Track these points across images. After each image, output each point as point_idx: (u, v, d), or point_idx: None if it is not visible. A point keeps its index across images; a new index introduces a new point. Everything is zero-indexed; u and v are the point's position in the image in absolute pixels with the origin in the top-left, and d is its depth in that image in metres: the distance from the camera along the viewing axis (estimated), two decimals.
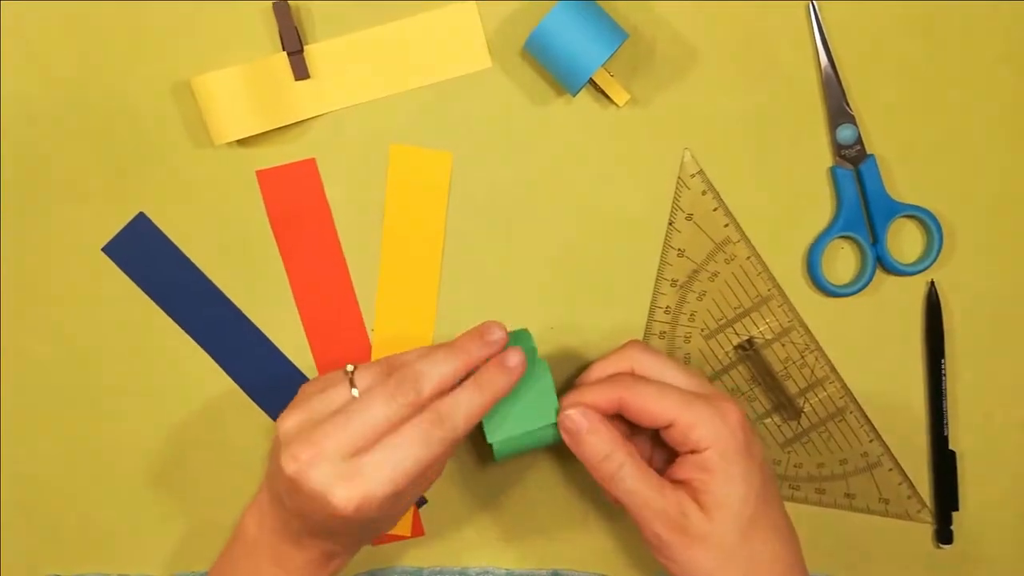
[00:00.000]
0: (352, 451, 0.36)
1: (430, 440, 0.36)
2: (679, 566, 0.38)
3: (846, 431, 0.49)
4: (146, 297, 0.48)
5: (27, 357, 0.48)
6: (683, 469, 0.39)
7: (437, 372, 0.38)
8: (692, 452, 0.39)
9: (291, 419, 0.37)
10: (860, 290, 0.48)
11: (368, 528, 0.39)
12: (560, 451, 0.49)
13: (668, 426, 0.39)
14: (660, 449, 0.42)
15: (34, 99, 0.46)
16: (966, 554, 0.50)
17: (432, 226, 0.47)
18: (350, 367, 0.39)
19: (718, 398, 0.40)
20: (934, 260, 0.47)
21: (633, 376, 0.41)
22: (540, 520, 0.50)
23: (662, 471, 0.40)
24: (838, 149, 0.47)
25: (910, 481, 0.49)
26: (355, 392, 0.38)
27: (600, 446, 0.39)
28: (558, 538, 0.50)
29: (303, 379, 0.48)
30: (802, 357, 0.48)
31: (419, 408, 0.37)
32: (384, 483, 0.35)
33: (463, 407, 0.38)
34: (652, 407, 0.39)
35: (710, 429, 0.38)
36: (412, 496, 0.41)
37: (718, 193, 0.47)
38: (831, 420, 0.49)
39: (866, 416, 0.49)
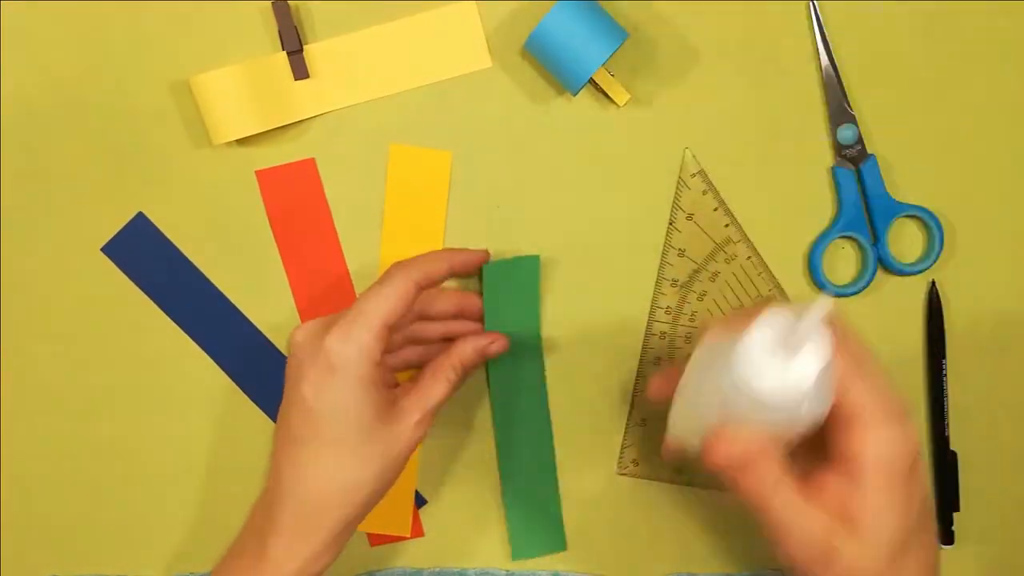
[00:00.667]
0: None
1: (385, 279, 0.41)
2: None
3: None
4: (145, 297, 0.48)
5: (25, 357, 0.48)
6: (833, 480, 0.35)
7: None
8: (845, 459, 0.35)
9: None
10: (861, 290, 0.48)
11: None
12: (560, 453, 0.49)
13: (849, 418, 0.35)
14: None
15: (33, 99, 0.46)
16: (968, 555, 0.50)
17: (432, 225, 0.47)
18: None
19: (903, 412, 0.35)
20: (935, 260, 0.47)
21: (856, 350, 0.36)
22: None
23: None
24: (839, 149, 0.47)
25: None
26: None
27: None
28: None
29: None
30: None
31: None
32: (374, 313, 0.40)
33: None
34: (859, 398, 0.35)
35: (887, 441, 0.35)
36: None
37: (719, 193, 0.47)
38: None
39: None
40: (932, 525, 0.38)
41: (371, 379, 0.39)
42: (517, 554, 0.49)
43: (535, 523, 0.49)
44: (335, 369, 0.39)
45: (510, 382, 0.48)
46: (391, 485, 0.41)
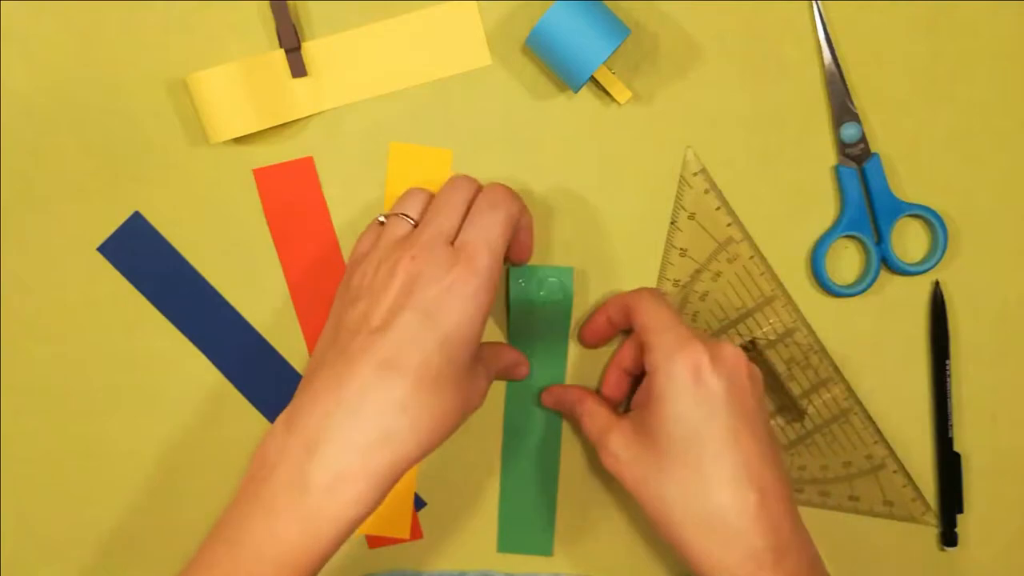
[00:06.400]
0: (454, 233, 0.39)
1: (499, 203, 0.40)
2: (629, 480, 0.40)
3: (850, 433, 0.48)
4: (141, 297, 0.47)
5: (21, 356, 0.48)
6: (639, 395, 0.44)
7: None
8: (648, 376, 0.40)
9: (369, 237, 0.41)
10: (864, 290, 0.47)
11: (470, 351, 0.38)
12: (561, 454, 0.49)
13: (639, 343, 0.41)
14: None
15: (29, 97, 0.46)
16: (971, 557, 0.49)
17: None
18: (381, 217, 0.42)
19: (699, 341, 0.39)
20: (939, 260, 0.47)
21: (653, 293, 0.43)
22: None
23: None
24: (842, 147, 0.47)
25: (915, 483, 0.49)
26: (408, 219, 0.41)
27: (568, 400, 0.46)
28: (558, 542, 0.49)
29: (299, 379, 0.48)
30: (806, 358, 0.48)
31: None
32: (496, 231, 0.38)
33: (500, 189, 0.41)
34: (639, 317, 0.41)
35: (661, 355, 0.39)
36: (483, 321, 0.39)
37: (721, 192, 0.47)
38: (835, 422, 0.48)
39: (870, 418, 0.48)
40: (735, 445, 0.38)
41: (491, 304, 0.38)
42: (503, 547, 0.49)
43: (528, 521, 0.49)
44: (478, 272, 0.37)
45: (529, 385, 0.48)
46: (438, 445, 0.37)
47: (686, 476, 0.38)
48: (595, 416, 0.43)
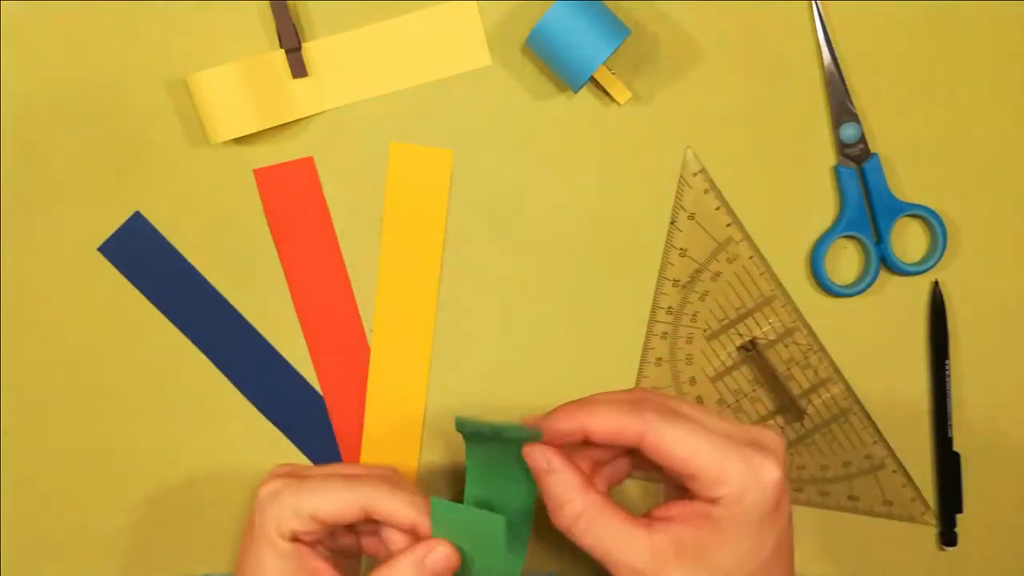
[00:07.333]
0: None
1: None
2: None
3: (850, 432, 0.48)
4: (142, 297, 0.47)
5: (21, 358, 0.48)
6: (682, 510, 0.35)
7: None
8: (706, 501, 0.34)
9: None
10: (864, 290, 0.47)
11: None
12: None
13: (690, 475, 0.34)
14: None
15: (29, 97, 0.46)
16: (970, 556, 0.49)
17: (432, 224, 0.47)
18: None
19: (755, 449, 0.34)
20: (938, 260, 0.47)
21: (660, 408, 0.35)
22: (539, 522, 0.49)
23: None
24: (841, 148, 0.47)
25: (914, 483, 0.49)
26: None
27: (558, 491, 0.36)
28: (558, 540, 0.49)
29: (299, 379, 0.48)
30: (805, 358, 0.48)
31: None
32: None
33: None
34: (677, 451, 0.34)
35: (737, 486, 0.33)
36: None
37: (720, 192, 0.47)
38: (835, 421, 0.48)
39: (870, 417, 0.48)
40: (786, 559, 0.35)
41: (289, 552, 0.38)
42: None
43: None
44: (258, 532, 0.38)
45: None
46: None
47: None
48: (599, 522, 0.35)
